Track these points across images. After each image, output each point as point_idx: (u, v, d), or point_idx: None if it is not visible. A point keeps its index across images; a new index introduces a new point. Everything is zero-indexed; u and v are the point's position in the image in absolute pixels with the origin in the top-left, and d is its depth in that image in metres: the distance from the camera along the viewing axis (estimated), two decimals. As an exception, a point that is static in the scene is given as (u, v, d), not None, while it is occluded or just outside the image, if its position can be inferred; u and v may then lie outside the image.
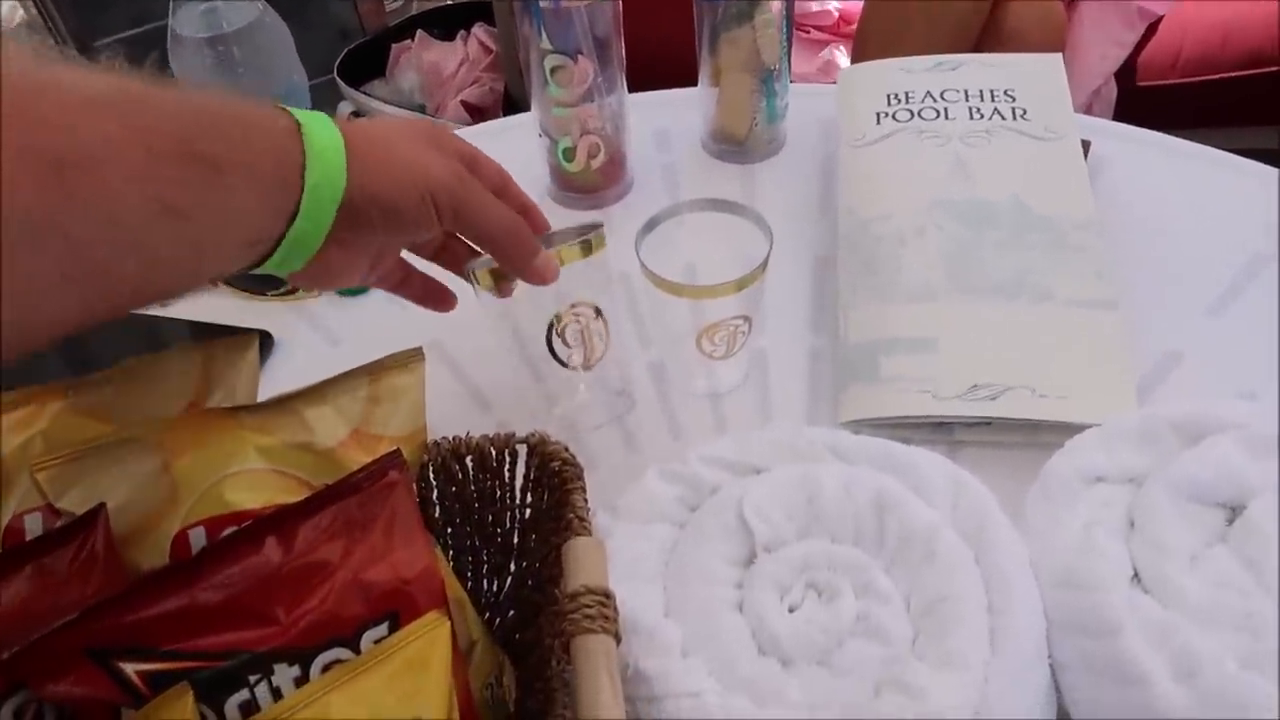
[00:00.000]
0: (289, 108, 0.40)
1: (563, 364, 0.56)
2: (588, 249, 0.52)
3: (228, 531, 0.37)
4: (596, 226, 0.52)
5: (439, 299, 0.56)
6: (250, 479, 0.38)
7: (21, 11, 1.76)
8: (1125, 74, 1.33)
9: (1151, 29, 1.29)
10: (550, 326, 0.54)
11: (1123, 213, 0.68)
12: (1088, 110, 1.29)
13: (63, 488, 0.37)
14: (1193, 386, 0.57)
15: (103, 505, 0.36)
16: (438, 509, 0.46)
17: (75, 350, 0.68)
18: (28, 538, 0.38)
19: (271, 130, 0.38)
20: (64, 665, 0.32)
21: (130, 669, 0.33)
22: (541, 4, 0.63)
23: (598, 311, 0.55)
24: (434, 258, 0.54)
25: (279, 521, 0.35)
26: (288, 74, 0.64)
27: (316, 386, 0.40)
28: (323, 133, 0.40)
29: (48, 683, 0.32)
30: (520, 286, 0.51)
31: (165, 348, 0.43)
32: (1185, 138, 0.80)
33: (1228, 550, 0.41)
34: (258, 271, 0.40)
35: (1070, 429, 0.52)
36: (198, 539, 0.37)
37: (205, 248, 0.36)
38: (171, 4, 0.60)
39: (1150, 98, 1.34)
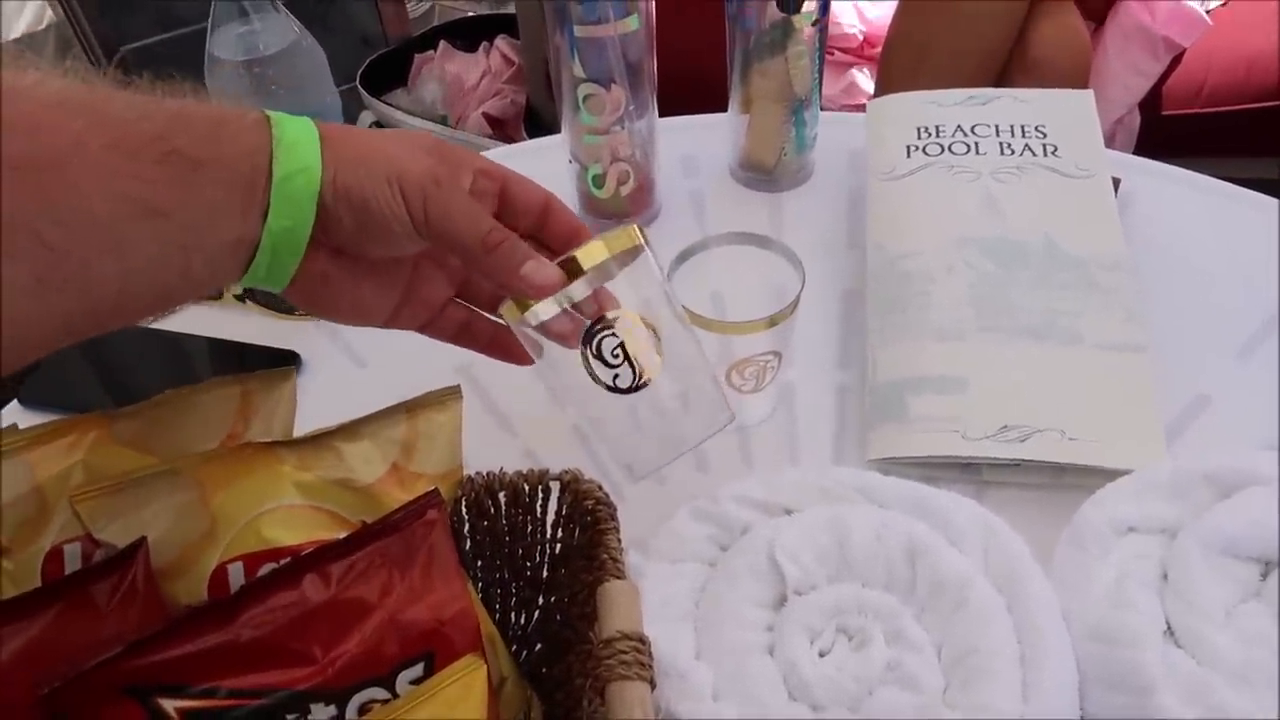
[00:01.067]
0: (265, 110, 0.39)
1: (608, 387, 0.47)
2: (614, 245, 0.44)
3: (266, 568, 0.37)
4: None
5: (510, 350, 0.49)
6: (288, 515, 0.38)
7: (50, 13, 1.78)
8: (1150, 102, 1.32)
9: (1176, 59, 1.29)
10: (584, 343, 0.46)
11: (1151, 251, 0.68)
12: (1111, 139, 1.29)
13: (102, 519, 0.37)
14: (1221, 431, 0.57)
15: (144, 539, 0.36)
16: (469, 542, 0.46)
17: (116, 380, 0.69)
18: (67, 567, 0.38)
19: (240, 125, 0.38)
20: (103, 701, 0.32)
21: (169, 706, 0.33)
22: (576, 31, 0.63)
23: (644, 321, 0.47)
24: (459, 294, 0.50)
25: (318, 559, 0.35)
26: (321, 96, 0.65)
27: (354, 423, 0.40)
28: (294, 126, 0.39)
29: (86, 719, 0.32)
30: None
31: (201, 374, 0.43)
32: (1209, 167, 0.80)
33: (1262, 606, 0.41)
34: (257, 286, 0.40)
35: (1098, 473, 0.52)
36: (236, 574, 0.37)
37: (189, 249, 0.35)
38: (209, 27, 0.60)
39: (1174, 126, 1.34)
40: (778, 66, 0.69)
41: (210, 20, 0.60)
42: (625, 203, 0.73)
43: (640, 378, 0.46)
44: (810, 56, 0.69)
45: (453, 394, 0.41)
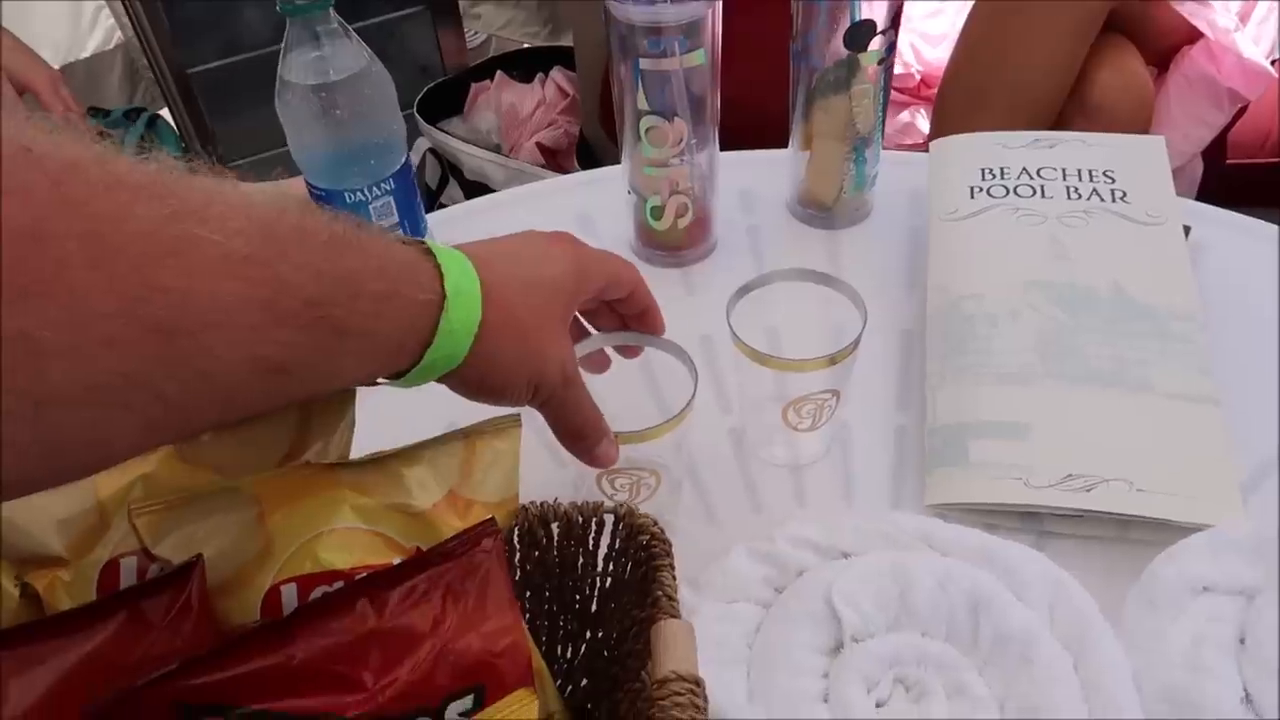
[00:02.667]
0: (440, 258, 0.39)
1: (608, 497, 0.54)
2: (657, 433, 0.50)
3: (319, 591, 0.36)
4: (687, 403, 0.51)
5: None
6: (344, 538, 0.38)
7: (119, 34, 1.83)
8: (1214, 151, 1.30)
9: (1243, 109, 1.26)
10: (599, 479, 0.53)
11: (1220, 301, 0.66)
12: (1172, 186, 1.27)
13: (160, 534, 0.37)
14: (1298, 492, 0.55)
15: (200, 557, 0.36)
16: (519, 572, 0.46)
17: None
18: (122, 580, 0.38)
19: (410, 303, 0.38)
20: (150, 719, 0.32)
21: (218, 727, 0.33)
22: (642, 64, 0.63)
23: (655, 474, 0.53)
24: None
25: (372, 585, 0.35)
26: (389, 123, 0.65)
27: (412, 447, 0.39)
28: (461, 311, 0.39)
29: (135, 736, 0.32)
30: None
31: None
32: (1274, 217, 0.78)
33: (1347, 678, 0.39)
34: None
35: (1168, 527, 0.50)
36: (289, 595, 0.37)
37: (295, 396, 0.36)
38: (282, 50, 0.61)
39: (1239, 176, 1.32)
40: (841, 104, 0.69)
41: (283, 44, 0.61)
42: (682, 235, 0.73)
43: None
44: (874, 95, 0.69)
45: (512, 422, 0.41)
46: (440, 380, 0.41)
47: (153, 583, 0.35)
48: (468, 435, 0.40)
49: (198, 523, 0.37)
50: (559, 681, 0.49)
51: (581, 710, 0.47)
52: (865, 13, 0.65)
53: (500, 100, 1.78)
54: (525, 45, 1.96)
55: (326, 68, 0.62)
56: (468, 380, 0.42)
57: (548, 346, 0.44)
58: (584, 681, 0.48)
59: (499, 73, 1.83)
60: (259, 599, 0.37)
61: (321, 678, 0.34)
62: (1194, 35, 1.20)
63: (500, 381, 0.43)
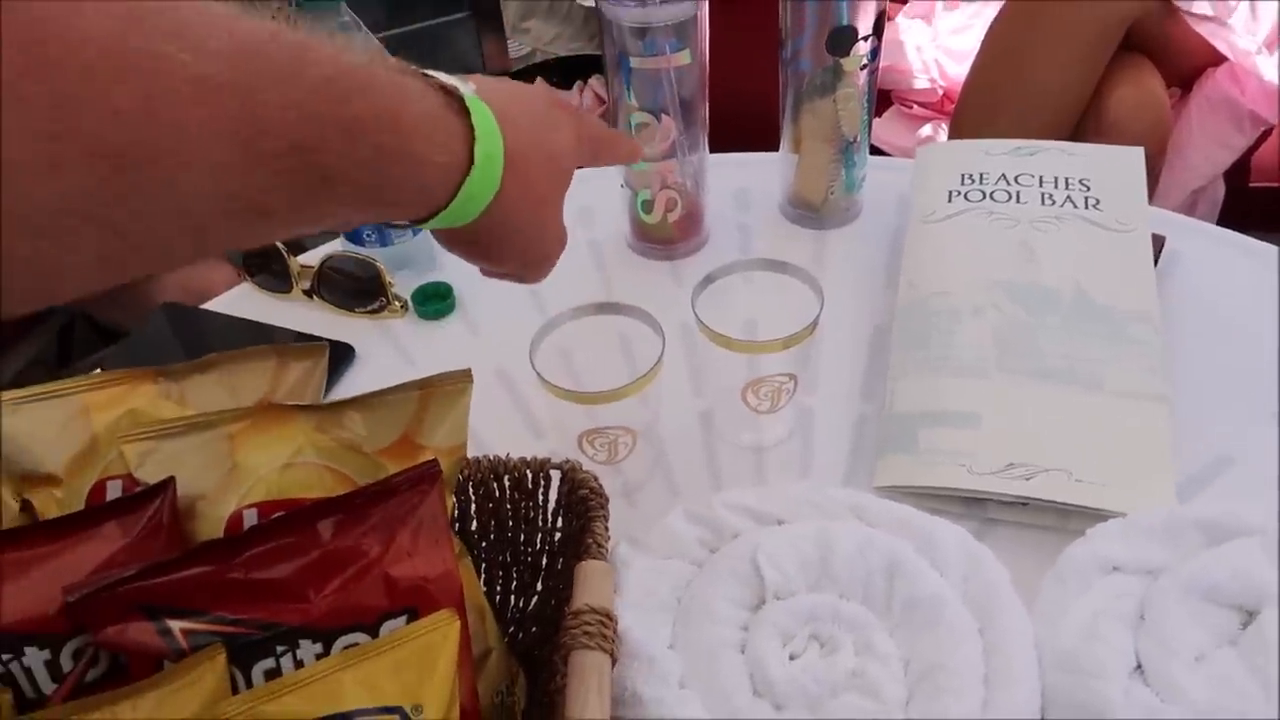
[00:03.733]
0: (474, 118, 0.36)
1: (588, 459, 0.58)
2: (628, 391, 0.54)
3: (276, 515, 0.41)
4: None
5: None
6: (303, 471, 0.42)
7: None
8: (1237, 173, 1.30)
9: (1267, 132, 1.26)
10: (580, 438, 0.57)
11: (1192, 309, 0.68)
12: (1191, 207, 1.27)
13: (142, 460, 0.42)
14: (1240, 492, 0.57)
15: (172, 479, 0.40)
16: (474, 523, 0.50)
17: (192, 354, 0.75)
18: (108, 499, 0.43)
19: (423, 164, 0.35)
20: (120, 616, 0.36)
21: (176, 626, 0.37)
22: (632, 64, 0.67)
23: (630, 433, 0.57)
24: None
25: (322, 512, 0.39)
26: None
27: (371, 395, 0.43)
28: (483, 180, 0.37)
29: (105, 629, 0.36)
30: (553, 413, 0.55)
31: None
32: None
33: (1236, 654, 0.41)
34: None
35: (1103, 517, 0.52)
36: (250, 519, 0.41)
37: (280, 236, 0.36)
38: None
39: (1262, 199, 1.31)
40: (827, 108, 0.72)
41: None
42: (672, 229, 0.76)
43: None
44: (859, 100, 0.72)
45: (464, 377, 0.44)
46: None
47: (129, 498, 0.40)
48: (423, 386, 0.44)
49: (175, 451, 0.42)
50: (512, 629, 0.52)
51: (529, 656, 0.51)
52: (850, 19, 0.68)
53: (538, 104, 1.83)
54: (563, 53, 2.02)
55: (340, 59, 0.66)
56: (460, 236, 0.40)
57: (551, 221, 0.44)
58: (533, 629, 0.52)
59: (539, 79, 1.88)
60: (224, 520, 0.41)
61: (270, 589, 0.38)
62: (1217, 57, 1.21)
63: (496, 250, 0.42)
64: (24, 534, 0.39)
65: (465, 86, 0.38)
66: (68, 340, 1.69)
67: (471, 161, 0.37)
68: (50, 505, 0.42)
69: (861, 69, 0.70)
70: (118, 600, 0.36)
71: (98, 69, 0.24)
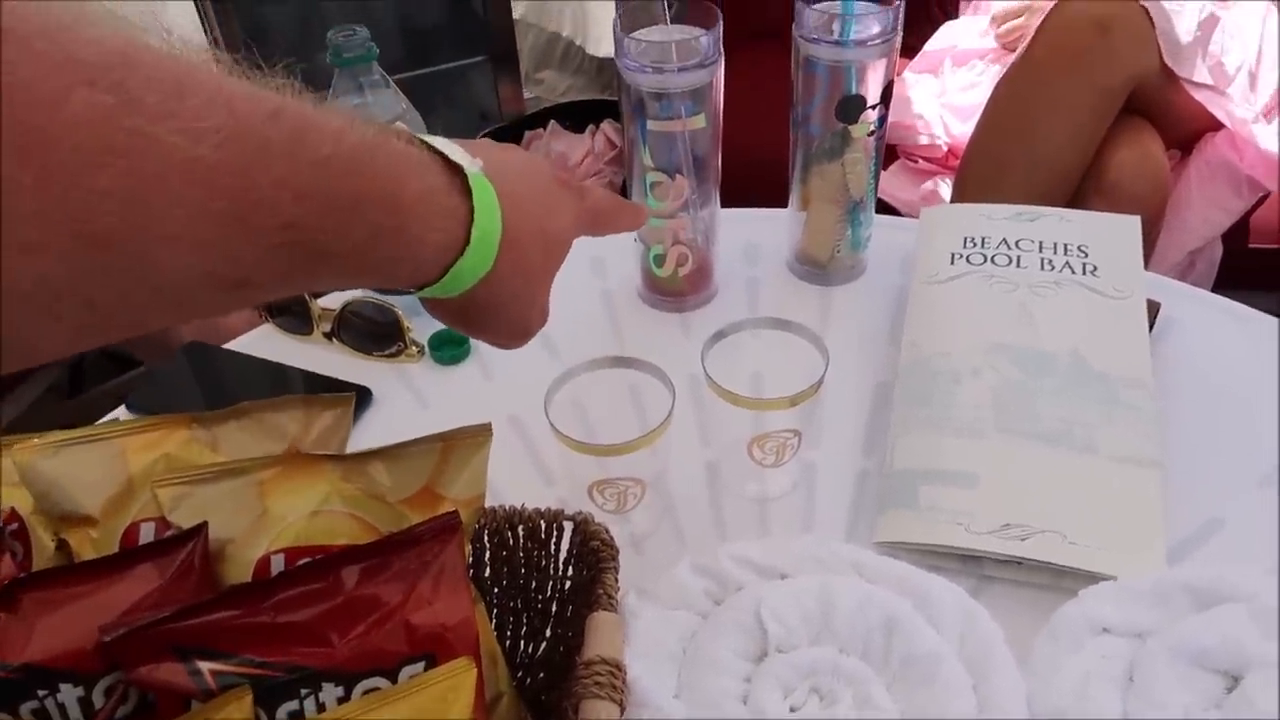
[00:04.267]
0: (476, 197, 0.37)
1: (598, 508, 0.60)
2: (638, 445, 0.56)
3: (303, 561, 0.42)
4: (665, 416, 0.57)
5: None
6: (329, 519, 0.44)
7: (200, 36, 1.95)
8: (1235, 234, 1.33)
9: (1265, 195, 1.29)
10: (590, 488, 0.59)
11: (1186, 376, 0.70)
12: (1190, 268, 1.30)
13: (175, 504, 0.44)
14: (1231, 555, 0.58)
15: (205, 524, 0.42)
16: (488, 569, 0.51)
17: (212, 396, 0.77)
18: (141, 541, 0.44)
19: (418, 242, 0.35)
20: (153, 656, 0.38)
21: (205, 667, 0.38)
22: (649, 126, 0.69)
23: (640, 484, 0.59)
24: None
25: (348, 559, 0.41)
26: (420, 164, 0.73)
27: (395, 446, 0.45)
28: (477, 258, 0.38)
29: (137, 668, 0.38)
30: (564, 461, 0.56)
31: (282, 392, 0.49)
32: None
33: (1221, 718, 0.43)
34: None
35: (1096, 578, 0.54)
36: (277, 564, 0.43)
37: (260, 303, 0.36)
38: (329, 96, 0.69)
39: (1260, 260, 1.34)
40: (835, 171, 0.75)
41: (330, 91, 0.69)
42: (683, 283, 0.79)
43: None
44: (866, 164, 0.74)
45: (484, 431, 0.46)
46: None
47: (162, 542, 0.42)
48: (444, 439, 0.46)
49: (208, 497, 0.44)
50: (520, 674, 0.54)
51: (536, 702, 0.52)
52: (858, 89, 0.70)
53: (551, 148, 1.87)
54: (579, 97, 2.06)
55: (367, 113, 0.69)
56: (443, 304, 0.41)
57: (537, 299, 0.45)
58: (541, 675, 0.53)
59: (552, 122, 1.93)
60: (252, 564, 0.43)
61: (295, 632, 0.39)
62: (1216, 122, 1.24)
63: (478, 322, 0.43)
64: (65, 573, 0.40)
65: (472, 163, 0.38)
66: (79, 367, 1.71)
67: (467, 241, 0.37)
68: (86, 545, 0.44)
69: (869, 135, 0.72)
70: (151, 640, 0.38)
71: (85, 151, 0.23)
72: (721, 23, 0.67)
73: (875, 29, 0.68)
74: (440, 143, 0.37)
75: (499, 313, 0.43)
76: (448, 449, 0.46)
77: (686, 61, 0.67)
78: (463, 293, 0.40)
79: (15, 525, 0.45)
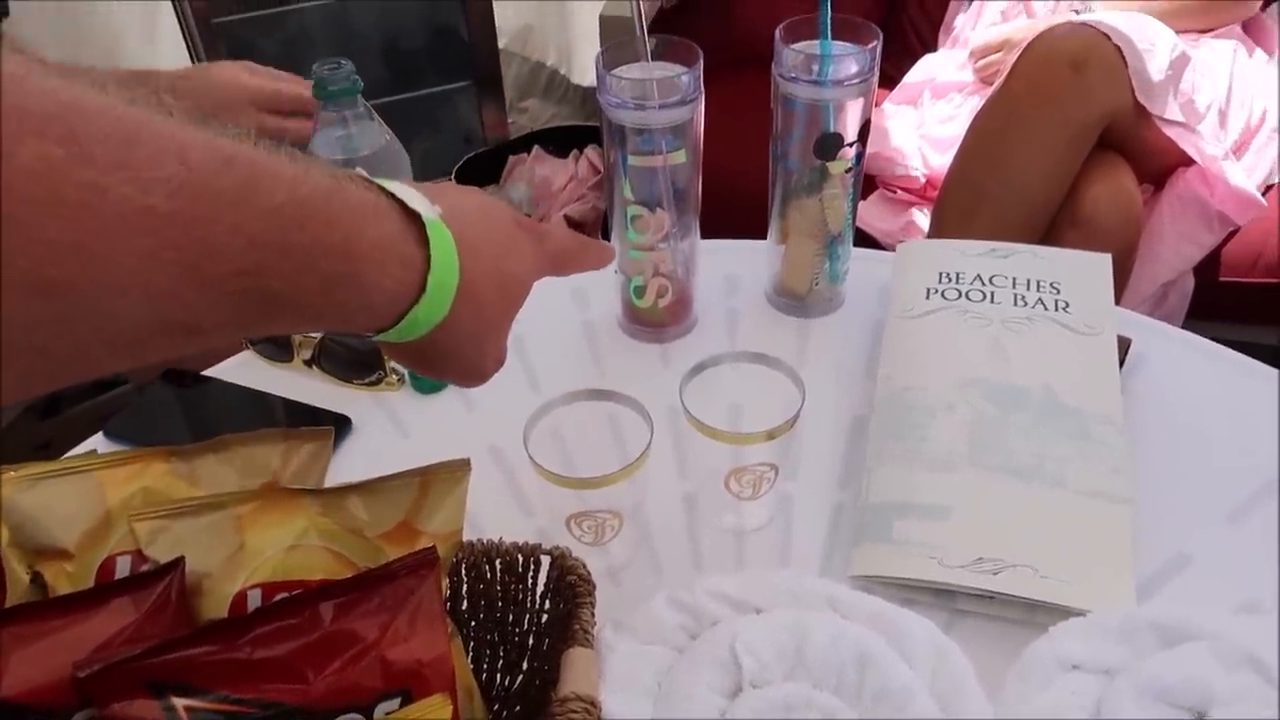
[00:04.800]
0: (433, 246, 0.36)
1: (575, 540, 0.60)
2: (616, 478, 0.56)
3: (280, 596, 0.43)
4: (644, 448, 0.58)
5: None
6: (307, 554, 0.44)
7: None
8: (1207, 267, 1.35)
9: (1235, 229, 1.31)
10: (568, 520, 0.59)
11: (1155, 410, 0.71)
12: (1163, 299, 1.32)
13: (152, 538, 0.44)
14: (1198, 591, 0.59)
15: (182, 559, 0.42)
16: (465, 602, 0.52)
17: (192, 424, 0.77)
18: (116, 574, 0.44)
19: (372, 289, 0.35)
20: (128, 692, 0.38)
21: (180, 704, 0.38)
22: (630, 161, 0.70)
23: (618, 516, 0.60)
24: None
25: (324, 595, 0.41)
26: (402, 195, 0.73)
27: (373, 481, 0.46)
28: (433, 306, 0.38)
29: (111, 704, 0.38)
30: (543, 492, 0.57)
31: (263, 426, 0.49)
32: (1266, 334, 0.82)
33: (1187, 754, 0.44)
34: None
35: (1067, 612, 0.55)
36: (254, 599, 0.43)
37: (210, 348, 0.36)
38: (315, 129, 0.70)
39: (1230, 293, 1.36)
40: (813, 206, 0.76)
41: (315, 124, 0.70)
42: (663, 314, 0.79)
43: None
44: (844, 199, 0.76)
45: (463, 466, 0.47)
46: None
47: (139, 577, 0.42)
48: (423, 474, 0.46)
49: (185, 531, 0.44)
50: (496, 707, 0.54)
51: (512, 733, 0.52)
52: (836, 126, 0.72)
53: (534, 173, 1.88)
54: (562, 123, 2.08)
55: (352, 144, 0.70)
56: (403, 349, 0.41)
57: (494, 344, 0.45)
58: (518, 708, 0.54)
59: (536, 146, 1.94)
60: (229, 598, 0.43)
61: (271, 669, 0.39)
62: (1188, 158, 1.26)
63: (435, 366, 0.44)
64: (40, 608, 0.40)
65: (430, 209, 0.38)
66: (56, 387, 1.69)
67: (423, 289, 0.37)
68: (61, 579, 0.44)
69: (846, 172, 0.74)
70: (126, 676, 0.38)
71: (36, 202, 0.24)
72: (702, 60, 0.68)
73: (853, 69, 0.69)
74: (398, 188, 0.38)
75: (455, 356, 0.43)
76: (426, 483, 0.46)
77: (668, 99, 0.68)
78: (419, 337, 0.40)
79: (-10, 558, 0.45)
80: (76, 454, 0.47)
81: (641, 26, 0.69)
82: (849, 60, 0.69)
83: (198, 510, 0.44)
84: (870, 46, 0.69)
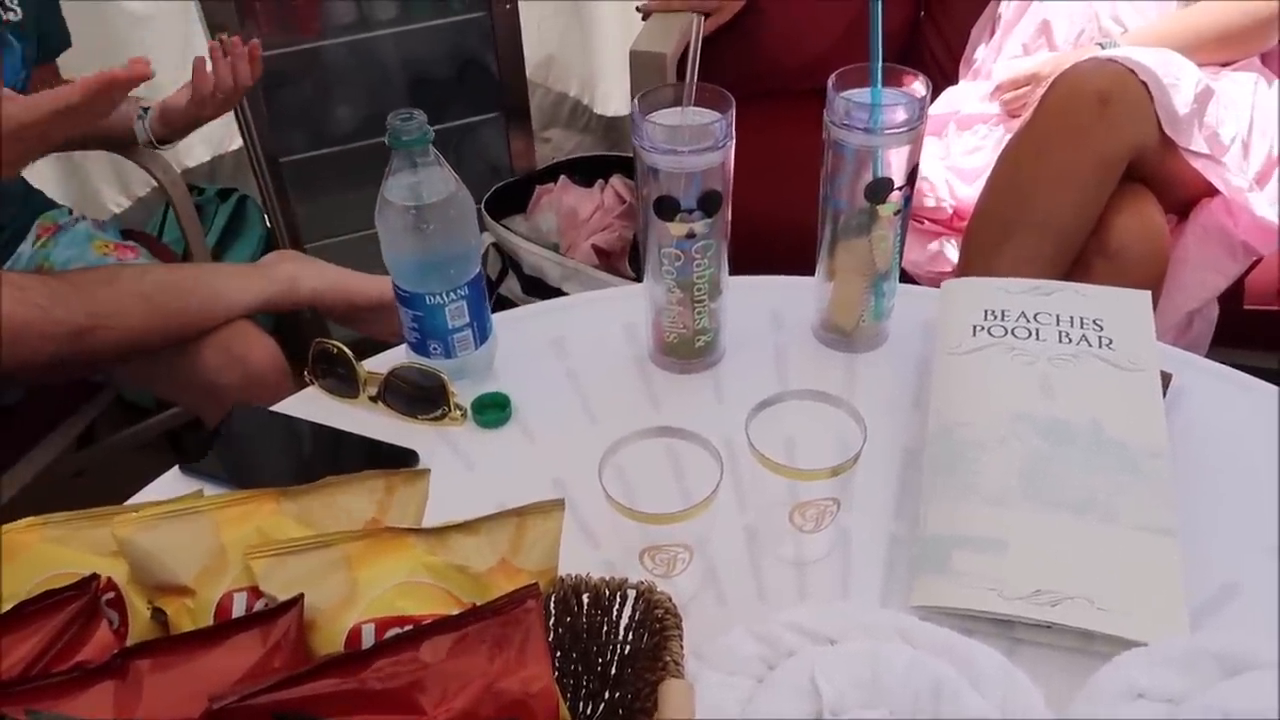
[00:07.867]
0: None
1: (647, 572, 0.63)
2: (689, 515, 0.59)
3: (393, 631, 0.45)
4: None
5: None
6: (416, 590, 0.46)
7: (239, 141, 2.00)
8: (1232, 296, 1.37)
9: (1260, 258, 1.33)
10: (642, 553, 0.62)
11: (1199, 444, 0.73)
12: (1187, 327, 1.34)
13: (268, 575, 0.46)
14: (1247, 620, 0.61)
15: (302, 596, 0.45)
16: (551, 634, 0.54)
17: (263, 461, 0.79)
18: (234, 610, 0.47)
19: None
20: (256, 723, 0.40)
21: (306, 734, 0.41)
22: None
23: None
24: None
25: (437, 629, 0.43)
26: (468, 239, 0.76)
27: (474, 521, 0.48)
28: None
29: (243, 735, 0.40)
30: (610, 524, 0.60)
31: (336, 460, 0.51)
32: None
33: (1253, 781, 0.46)
34: None
35: (1123, 643, 0.57)
36: (368, 634, 0.45)
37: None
38: (386, 174, 0.73)
39: (1255, 321, 1.38)
40: (862, 246, 0.79)
41: (387, 169, 0.73)
42: (699, 351, 0.82)
43: None
44: (892, 240, 0.78)
45: (557, 505, 0.49)
46: None
47: (261, 614, 0.44)
48: (519, 514, 0.49)
49: (300, 569, 0.46)
50: (579, 734, 0.56)
51: (595, 760, 0.55)
52: (886, 171, 0.74)
53: (562, 202, 1.92)
54: (590, 153, 2.11)
55: (421, 192, 0.73)
56: None
57: None
58: (600, 735, 0.56)
59: (563, 176, 1.97)
60: (344, 634, 0.45)
61: (389, 701, 0.42)
62: (1213, 189, 1.29)
63: None
64: (172, 642, 0.43)
65: None
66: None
67: None
68: (183, 614, 0.46)
69: (895, 214, 0.76)
70: (254, 710, 0.40)
71: None
72: (734, 106, 0.71)
73: (902, 116, 0.72)
74: None
75: None
76: (523, 522, 0.49)
77: (700, 145, 0.71)
78: None
79: (112, 594, 0.48)
80: (189, 495, 0.50)
81: (693, 72, 0.72)
82: (899, 108, 0.72)
83: (310, 548, 0.46)
84: (920, 98, 0.72)
